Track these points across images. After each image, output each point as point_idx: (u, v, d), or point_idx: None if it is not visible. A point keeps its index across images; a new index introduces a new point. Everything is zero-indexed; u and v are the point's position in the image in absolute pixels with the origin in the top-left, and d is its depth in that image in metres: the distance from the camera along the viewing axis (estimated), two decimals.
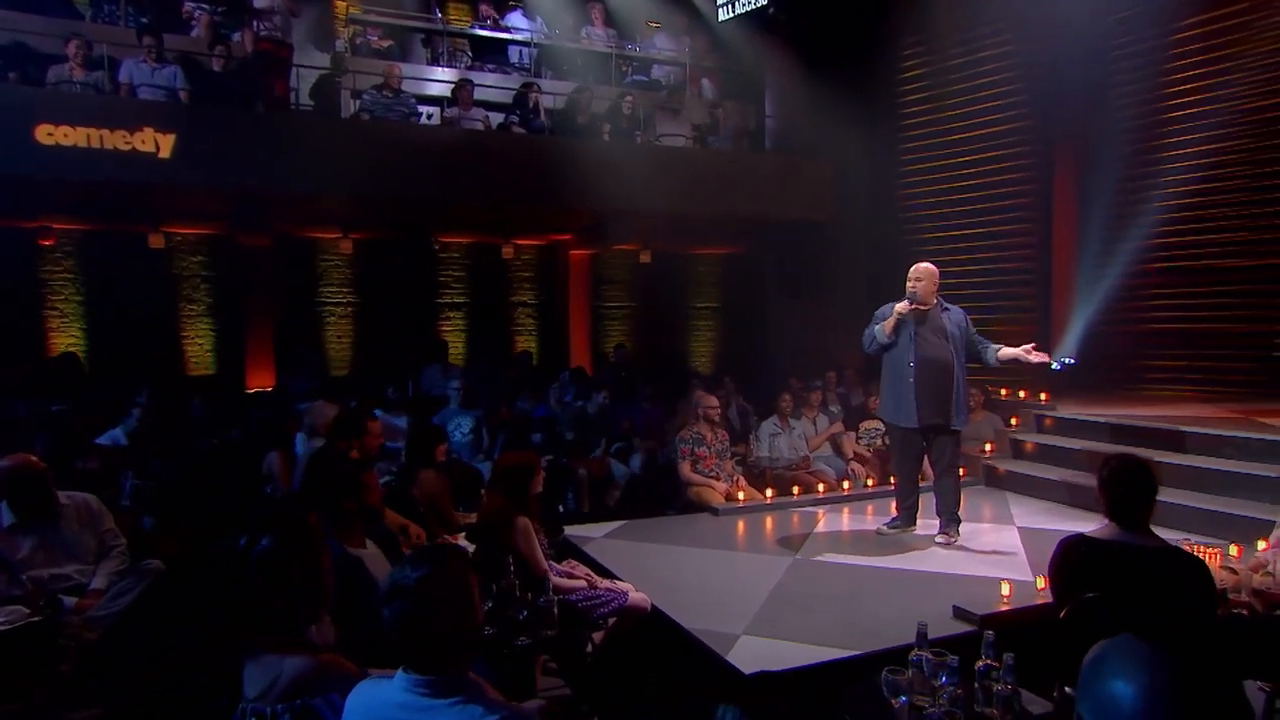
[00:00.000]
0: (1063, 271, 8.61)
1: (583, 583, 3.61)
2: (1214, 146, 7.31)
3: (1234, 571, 3.26)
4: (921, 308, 4.98)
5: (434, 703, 1.61)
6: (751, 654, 3.28)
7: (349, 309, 10.22)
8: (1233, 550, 3.76)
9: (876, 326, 5.11)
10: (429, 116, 8.83)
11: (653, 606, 3.66)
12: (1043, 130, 8.38)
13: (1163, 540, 2.87)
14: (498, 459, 3.84)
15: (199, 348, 9.62)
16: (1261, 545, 4.00)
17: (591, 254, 10.72)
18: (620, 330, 11.51)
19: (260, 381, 9.03)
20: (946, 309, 5.00)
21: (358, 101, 8.31)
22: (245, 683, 1.83)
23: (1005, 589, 3.86)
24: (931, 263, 5.14)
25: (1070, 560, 2.96)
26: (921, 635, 2.41)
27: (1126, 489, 2.80)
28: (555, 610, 2.81)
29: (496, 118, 8.87)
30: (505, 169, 8.22)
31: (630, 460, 7.22)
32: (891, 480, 6.58)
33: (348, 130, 8.05)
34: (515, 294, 10.94)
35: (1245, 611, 3.07)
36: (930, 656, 2.29)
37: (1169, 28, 7.69)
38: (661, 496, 7.21)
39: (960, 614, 3.73)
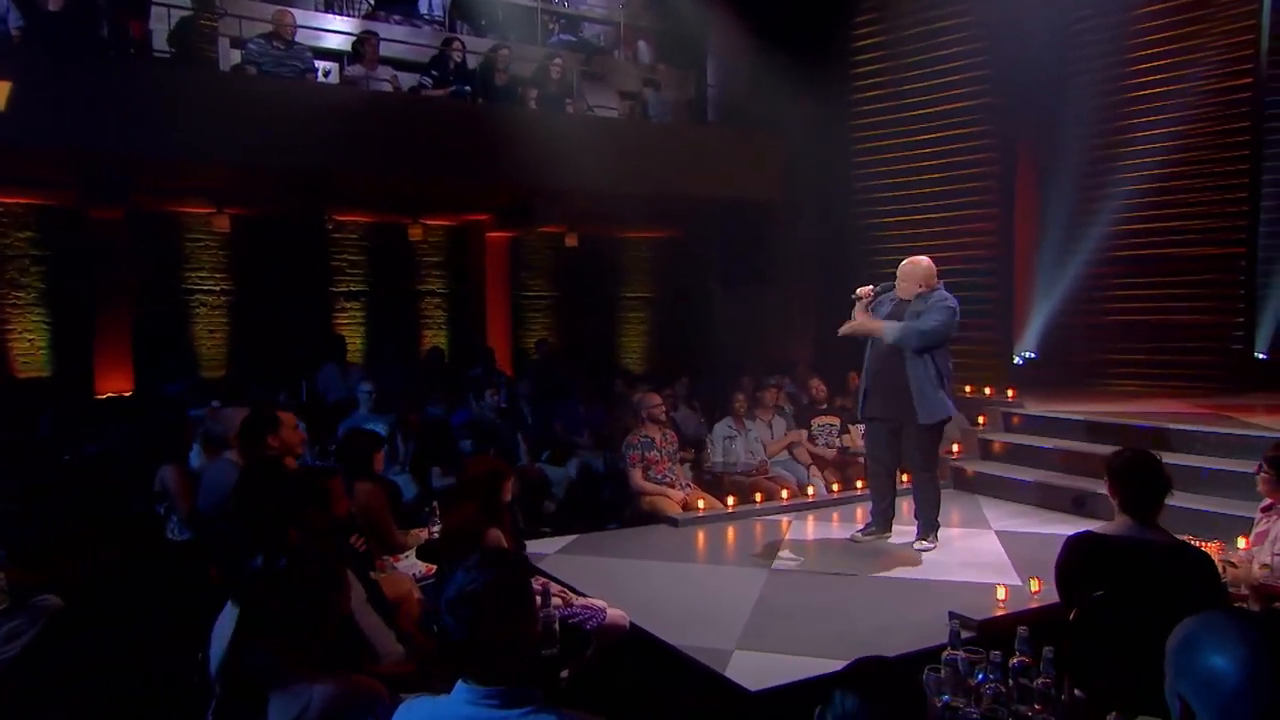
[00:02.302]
0: (1024, 261, 9.22)
1: (558, 600, 3.67)
2: (1178, 129, 8.01)
3: (1234, 566, 3.63)
4: (903, 299, 5.28)
5: (505, 713, 1.68)
6: (749, 669, 3.43)
7: (223, 298, 9.83)
8: (1240, 543, 4.17)
9: (853, 314, 5.41)
10: (325, 74, 8.61)
11: (631, 624, 3.76)
12: (1004, 110, 8.94)
13: (1171, 535, 3.17)
14: (467, 466, 3.85)
15: (29, 344, 9.04)
16: (1242, 543, 4.46)
17: (511, 237, 10.70)
18: (542, 323, 11.52)
19: (114, 385, 8.57)
20: (925, 299, 5.29)
21: (241, 52, 8.02)
22: (272, 714, 1.84)
23: (1001, 593, 4.16)
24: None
25: (1079, 558, 3.23)
26: (955, 634, 2.61)
27: (1140, 483, 3.08)
28: (556, 626, 2.87)
29: (407, 79, 8.74)
30: (414, 137, 8.11)
31: (567, 466, 7.29)
32: (858, 485, 6.96)
33: (227, 86, 7.75)
34: (423, 281, 10.79)
35: (1245, 605, 3.44)
36: (964, 656, 2.49)
37: (1131, 8, 8.37)
38: (602, 506, 7.33)
39: (957, 620, 3.98)
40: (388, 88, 8.42)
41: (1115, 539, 3.19)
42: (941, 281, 5.42)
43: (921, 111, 9.37)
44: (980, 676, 2.44)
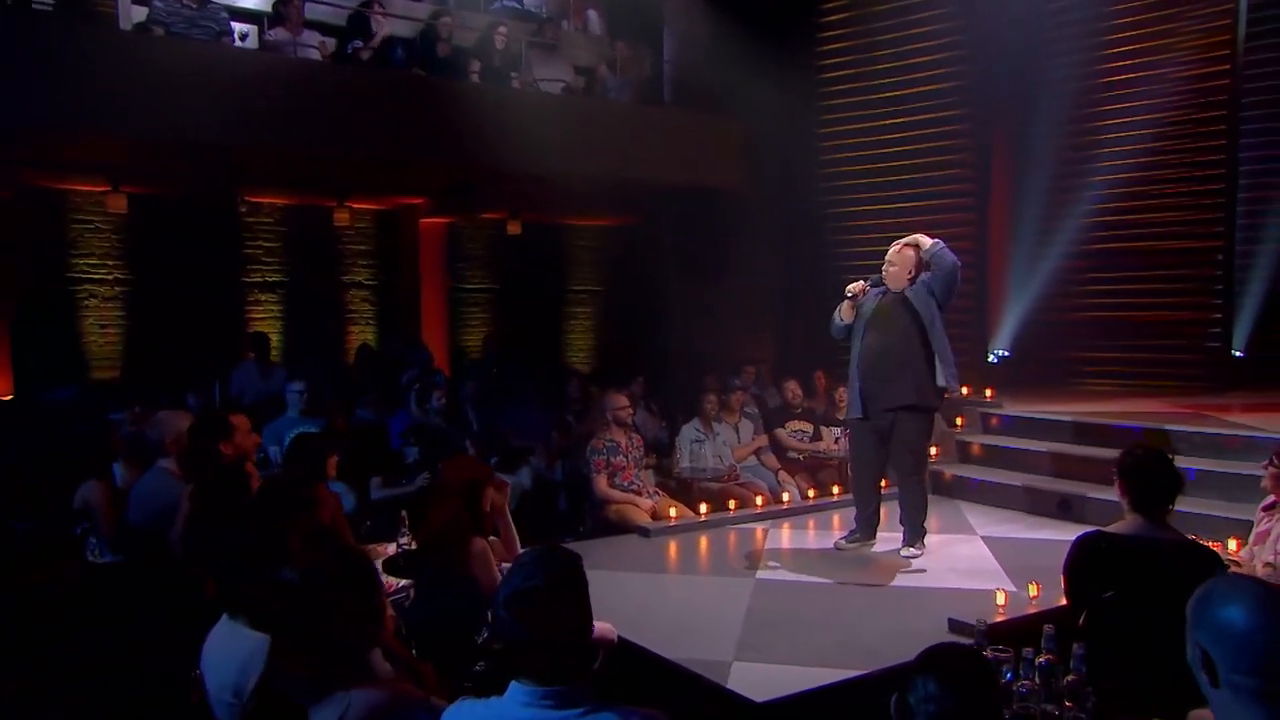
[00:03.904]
0: (998, 255, 9.65)
1: None
2: (1154, 117, 8.48)
3: (1238, 565, 3.96)
4: (893, 289, 5.52)
5: (565, 714, 1.78)
6: (752, 681, 3.58)
7: (117, 289, 9.59)
8: (1231, 544, 4.51)
9: (839, 310, 5.62)
10: (243, 38, 8.50)
11: (619, 637, 3.88)
12: (979, 94, 9.34)
13: (1182, 534, 3.45)
14: (441, 469, 3.92)
15: None
16: (1233, 545, 4.83)
17: (448, 223, 10.69)
18: (481, 318, 11.54)
19: None
20: (917, 282, 5.54)
21: (146, 10, 7.86)
22: None
23: (1001, 598, 4.42)
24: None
25: (1089, 558, 3.48)
26: (981, 634, 2.81)
27: (1151, 481, 3.34)
28: None
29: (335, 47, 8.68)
30: (342, 111, 8.03)
31: (519, 474, 7.36)
32: (834, 490, 7.22)
33: (129, 48, 7.59)
34: (349, 272, 10.70)
35: None
36: (993, 654, 2.69)
37: None
38: (559, 517, 7.43)
39: (957, 627, 4.22)
40: (315, 55, 8.35)
41: (1126, 538, 3.44)
42: (925, 273, 5.68)
43: (892, 94, 9.68)
44: (1008, 675, 2.64)
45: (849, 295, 5.61)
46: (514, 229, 10.94)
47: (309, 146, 8.15)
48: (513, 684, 1.86)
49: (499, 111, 8.50)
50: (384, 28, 8.71)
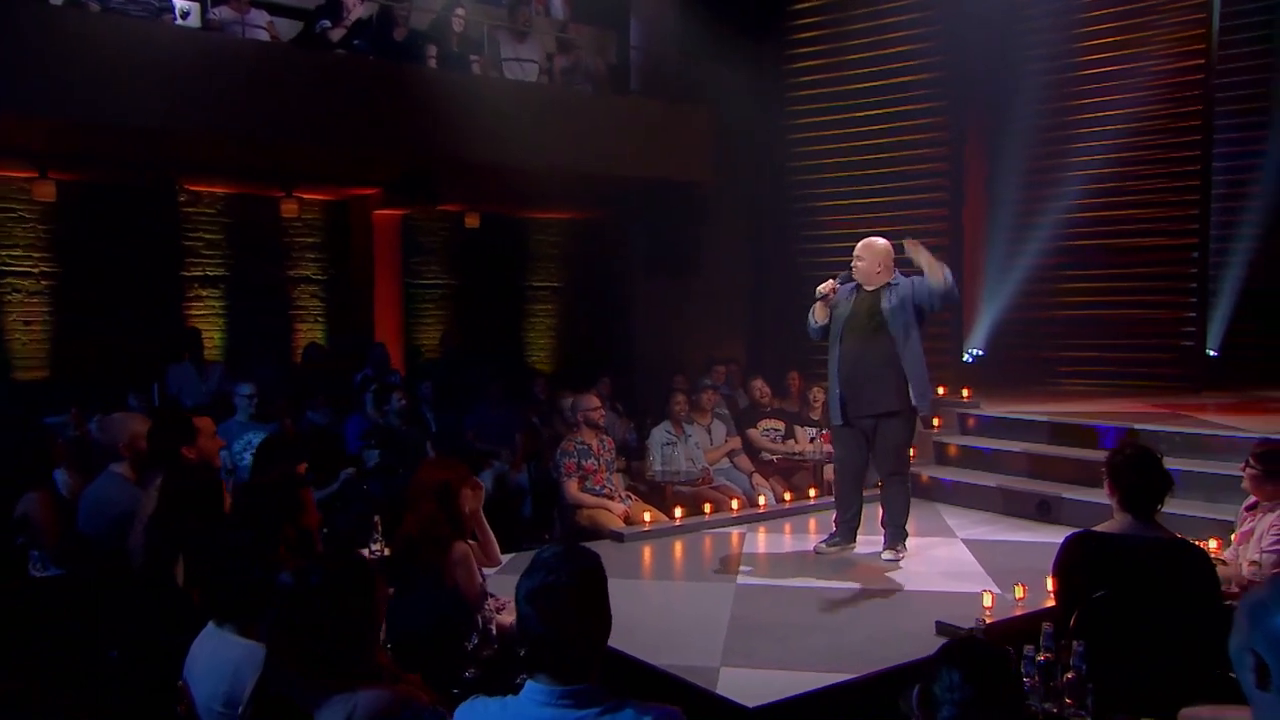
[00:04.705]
0: (972, 252, 9.89)
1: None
2: (1129, 111, 8.78)
3: (1224, 564, 4.14)
4: (866, 287, 5.64)
5: (583, 713, 1.84)
6: (742, 686, 3.65)
7: (44, 283, 9.39)
8: (1211, 544, 4.69)
9: (812, 311, 5.73)
10: (184, 15, 8.38)
11: None
12: (954, 86, 9.57)
13: (1171, 532, 3.61)
14: (418, 470, 3.94)
15: None
16: (1213, 544, 5.03)
17: (403, 215, 10.64)
18: (437, 315, 11.51)
19: None
20: (895, 284, 5.67)
21: None
22: None
23: (988, 600, 4.56)
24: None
25: (1079, 558, 3.61)
26: (980, 634, 2.93)
27: (1142, 479, 3.49)
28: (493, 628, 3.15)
29: (288, 27, 8.62)
30: (291, 95, 7.98)
31: (481, 478, 7.38)
32: (811, 493, 7.36)
33: (60, 24, 7.45)
34: (296, 266, 10.60)
35: (1236, 604, 3.92)
36: None
37: None
38: (525, 524, 7.48)
39: (945, 629, 4.35)
40: (264, 35, 8.28)
41: (1116, 537, 3.59)
42: (899, 270, 5.82)
43: (865, 85, 9.87)
44: None
45: (820, 296, 5.69)
46: (472, 222, 10.94)
47: (254, 133, 8.08)
48: (529, 683, 1.91)
49: (457, 98, 8.49)
50: (357, 8, 8.65)
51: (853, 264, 5.69)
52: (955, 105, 9.66)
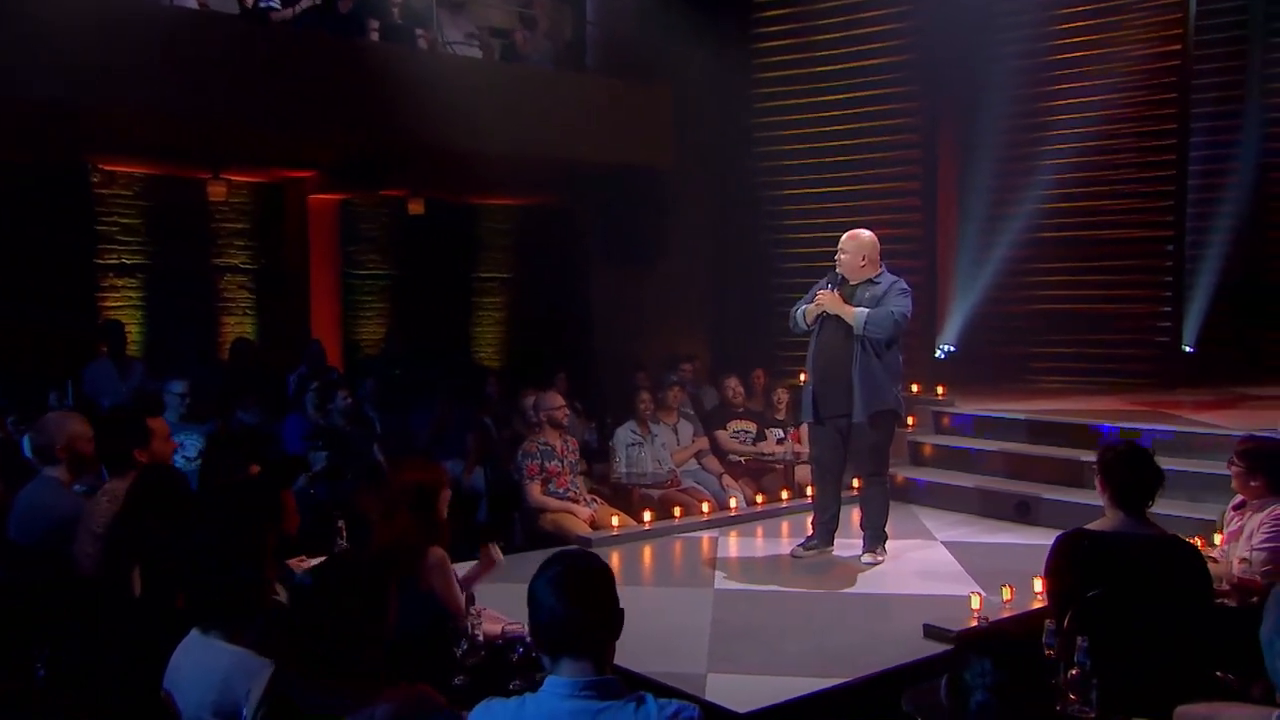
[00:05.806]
0: (945, 245, 10.14)
1: (499, 626, 3.89)
2: (1105, 98, 9.07)
3: (1215, 561, 4.36)
4: (850, 281, 5.79)
5: (608, 704, 1.99)
6: (730, 692, 3.77)
7: None
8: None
9: (802, 308, 5.85)
10: None
11: None
12: (928, 69, 9.79)
13: (1163, 529, 3.80)
14: (395, 473, 3.98)
15: None
16: (1197, 542, 5.28)
17: (341, 200, 10.58)
18: (378, 308, 11.46)
19: None
20: (876, 282, 5.83)
21: None
22: None
23: (975, 602, 4.72)
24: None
25: (1073, 556, 3.79)
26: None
27: (1133, 476, 3.67)
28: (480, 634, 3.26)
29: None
30: (218, 69, 7.89)
31: None
32: (783, 495, 7.51)
33: None
34: (224, 254, 10.49)
35: (1226, 601, 4.15)
36: None
37: None
38: (479, 530, 7.50)
39: (932, 632, 4.51)
40: (191, 3, 8.21)
41: (1108, 535, 3.76)
42: (885, 262, 5.98)
43: (835, 67, 10.03)
44: None
45: (818, 301, 5.73)
46: (416, 208, 10.88)
47: (175, 108, 7.96)
48: (549, 678, 2.03)
49: (400, 75, 8.47)
50: None
51: (837, 256, 5.84)
52: (928, 90, 9.87)
